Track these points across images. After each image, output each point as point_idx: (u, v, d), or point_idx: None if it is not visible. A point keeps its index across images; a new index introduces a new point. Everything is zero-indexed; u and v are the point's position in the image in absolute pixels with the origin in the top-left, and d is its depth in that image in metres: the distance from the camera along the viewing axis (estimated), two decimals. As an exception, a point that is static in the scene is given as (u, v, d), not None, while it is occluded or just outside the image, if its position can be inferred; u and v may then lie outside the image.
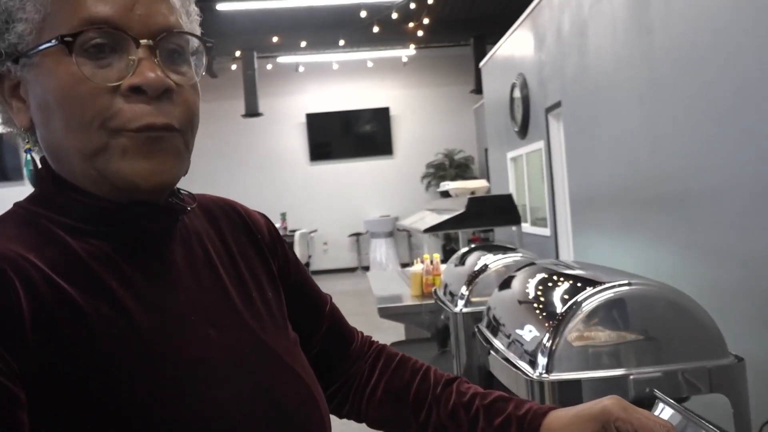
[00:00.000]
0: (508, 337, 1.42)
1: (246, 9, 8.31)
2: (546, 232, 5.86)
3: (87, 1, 0.57)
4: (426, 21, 8.89)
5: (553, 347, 1.18)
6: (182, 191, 0.71)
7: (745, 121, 2.20)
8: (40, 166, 0.63)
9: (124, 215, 0.62)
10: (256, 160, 12.08)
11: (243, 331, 0.66)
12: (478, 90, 9.77)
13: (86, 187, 0.60)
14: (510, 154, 7.39)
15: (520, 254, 2.13)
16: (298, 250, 6.63)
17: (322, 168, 12.16)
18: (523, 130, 6.53)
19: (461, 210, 2.85)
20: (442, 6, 9.32)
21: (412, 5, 8.53)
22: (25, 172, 0.63)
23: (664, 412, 0.87)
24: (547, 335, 1.20)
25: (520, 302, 1.53)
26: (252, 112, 9.97)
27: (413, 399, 0.79)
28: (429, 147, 11.90)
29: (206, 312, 0.64)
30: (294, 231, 7.26)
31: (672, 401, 0.84)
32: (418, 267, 3.33)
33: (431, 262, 3.24)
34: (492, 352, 1.44)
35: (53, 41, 0.56)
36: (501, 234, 7.74)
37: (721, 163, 2.37)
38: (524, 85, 6.36)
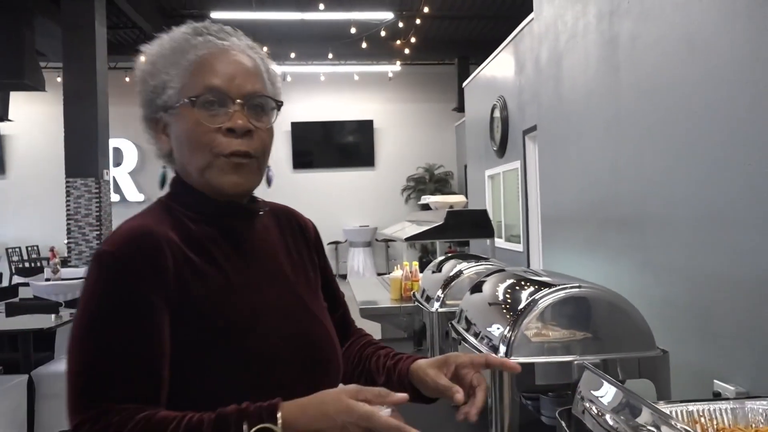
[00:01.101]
0: (477, 331, 1.67)
1: (239, 18, 8.54)
2: (519, 247, 6.16)
3: (207, 75, 0.93)
4: (413, 40, 9.21)
5: (512, 337, 1.43)
6: (259, 199, 1.05)
7: (694, 153, 2.50)
8: (173, 176, 1.00)
9: (221, 210, 0.97)
10: (239, 165, 12.22)
11: (292, 295, 1.00)
12: (460, 108, 10.08)
13: (201, 190, 0.95)
14: (488, 172, 7.68)
15: (491, 263, 2.40)
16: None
17: (304, 176, 12.36)
18: (502, 150, 6.83)
19: (440, 222, 3.11)
20: (428, 26, 9.65)
21: (401, 24, 8.84)
22: (159, 179, 1.02)
23: (593, 381, 1.12)
24: (508, 327, 1.45)
25: (488, 303, 1.79)
26: (239, 118, 10.17)
27: (354, 360, 1.13)
28: (410, 161, 12.17)
29: (271, 278, 0.99)
30: (276, 236, 7.44)
31: (596, 369, 1.09)
32: (398, 273, 3.58)
33: (410, 269, 3.49)
34: (463, 342, 1.69)
35: (186, 100, 0.92)
36: (475, 248, 8.02)
37: (672, 190, 2.66)
38: (504, 107, 6.68)
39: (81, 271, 6.73)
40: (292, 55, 9.99)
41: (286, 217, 1.11)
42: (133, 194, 12.22)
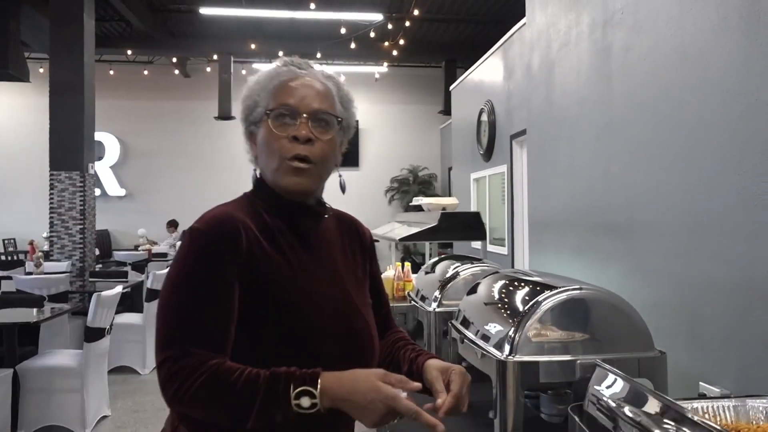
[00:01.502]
0: (478, 330, 1.71)
1: (228, 15, 8.51)
2: (504, 250, 6.23)
3: (284, 95, 1.17)
4: (401, 41, 9.25)
5: (517, 337, 1.48)
6: (328, 205, 1.28)
7: (685, 163, 2.57)
8: (258, 176, 1.22)
9: (292, 208, 1.19)
10: (224, 162, 12.16)
11: (341, 288, 1.20)
12: (446, 111, 10.13)
13: (275, 189, 1.18)
14: (474, 175, 7.74)
15: (487, 264, 2.44)
16: (266, 253, 6.81)
17: (288, 175, 12.30)
18: (488, 154, 6.90)
19: (433, 223, 3.15)
20: (417, 28, 9.70)
21: (390, 26, 8.88)
22: (252, 179, 1.23)
23: (604, 377, 1.16)
24: (513, 328, 1.49)
25: (487, 303, 1.83)
26: (225, 114, 10.13)
27: (387, 350, 1.34)
28: (394, 162, 12.21)
29: (325, 271, 1.19)
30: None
31: (609, 366, 1.13)
32: (389, 273, 3.62)
33: (402, 269, 3.53)
34: (465, 341, 1.73)
35: (264, 115, 1.17)
36: (459, 250, 8.08)
37: (664, 197, 2.73)
38: (492, 111, 6.75)
39: (64, 265, 6.64)
40: (280, 53, 9.96)
41: (348, 223, 1.33)
42: (114, 188, 12.10)
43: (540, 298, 1.53)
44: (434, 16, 9.41)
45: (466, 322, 1.81)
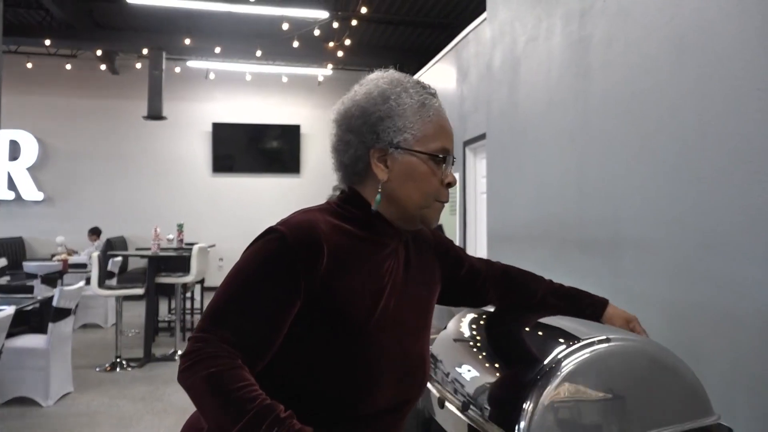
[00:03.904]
0: (465, 391, 1.25)
1: (159, 6, 7.84)
2: (455, 264, 5.82)
3: (443, 137, 1.15)
4: (347, 42, 8.79)
5: (532, 412, 1.02)
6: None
7: (682, 173, 2.20)
8: (347, 189, 1.19)
9: (389, 231, 1.16)
10: (154, 165, 11.38)
11: (407, 311, 1.15)
12: (393, 117, 9.70)
13: (390, 217, 1.16)
14: (422, 184, 7.34)
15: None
16: (195, 266, 6.19)
17: (224, 180, 11.66)
18: (438, 161, 6.52)
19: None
20: (364, 29, 9.28)
21: (335, 24, 8.42)
22: (377, 199, 1.14)
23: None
24: (529, 402, 1.03)
25: (475, 353, 1.36)
26: (155, 114, 9.39)
27: (525, 294, 1.44)
28: (337, 169, 11.71)
29: (397, 294, 1.14)
30: (191, 244, 6.79)
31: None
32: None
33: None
34: (447, 404, 1.26)
35: (425, 153, 1.13)
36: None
37: (653, 211, 2.36)
38: (443, 117, 6.38)
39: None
40: (217, 50, 9.34)
41: (413, 236, 1.25)
42: (30, 192, 11.08)
43: (559, 355, 1.08)
44: (382, 16, 9.00)
45: (442, 376, 1.34)
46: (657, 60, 2.36)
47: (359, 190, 1.17)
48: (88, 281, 5.99)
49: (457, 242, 5.88)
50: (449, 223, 6.12)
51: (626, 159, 2.54)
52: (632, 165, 2.50)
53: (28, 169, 11.06)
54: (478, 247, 5.59)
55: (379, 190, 1.14)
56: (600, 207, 2.73)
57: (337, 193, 1.21)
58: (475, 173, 5.67)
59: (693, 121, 2.17)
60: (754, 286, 1.92)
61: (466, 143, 5.68)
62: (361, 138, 1.13)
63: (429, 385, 1.37)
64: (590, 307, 1.40)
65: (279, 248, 1.04)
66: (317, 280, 1.04)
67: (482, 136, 4.82)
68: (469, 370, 1.30)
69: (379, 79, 1.18)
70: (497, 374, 1.20)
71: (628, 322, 1.37)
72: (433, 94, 1.19)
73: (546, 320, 1.30)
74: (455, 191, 6.02)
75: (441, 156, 1.14)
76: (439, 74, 6.74)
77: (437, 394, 1.30)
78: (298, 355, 1.05)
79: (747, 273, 1.94)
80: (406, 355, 1.12)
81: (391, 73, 1.20)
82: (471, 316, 1.47)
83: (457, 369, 1.32)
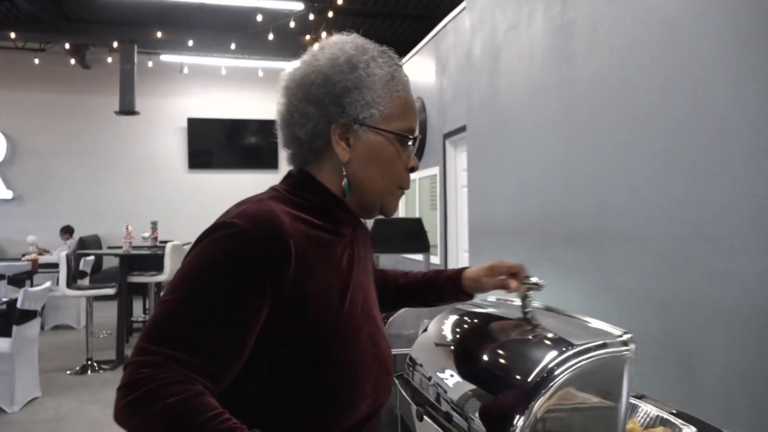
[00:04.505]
0: (448, 398, 1.12)
1: (129, -3, 7.60)
2: (436, 260, 5.71)
3: (411, 117, 1.04)
4: (324, 35, 8.62)
5: (524, 427, 0.89)
6: None
7: (673, 162, 2.10)
8: (307, 173, 1.04)
9: (349, 219, 1.04)
10: (128, 162, 11.12)
11: (371, 307, 1.06)
12: (372, 111, 9.60)
13: (357, 206, 1.04)
14: (402, 178, 7.22)
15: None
16: (169, 264, 6.00)
17: (200, 177, 11.43)
18: (418, 155, 6.40)
19: (364, 232, 2.56)
20: (341, 22, 9.12)
21: (311, 16, 8.25)
22: (344, 187, 1.00)
23: None
24: (518, 417, 0.91)
25: (470, 368, 1.20)
26: (127, 109, 9.13)
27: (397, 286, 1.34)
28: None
29: (363, 289, 1.03)
30: (165, 242, 6.59)
31: None
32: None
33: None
34: (426, 417, 1.13)
35: (398, 133, 1.02)
36: (386, 262, 7.55)
37: (644, 204, 2.25)
38: (422, 110, 6.26)
39: None
40: (190, 43, 9.11)
41: (361, 228, 1.13)
42: (-1, 190, 10.76)
43: (550, 363, 0.96)
44: (359, 8, 8.85)
45: (422, 381, 1.22)
46: (645, 43, 2.26)
47: (314, 173, 1.02)
48: (57, 281, 5.79)
49: (438, 238, 5.77)
50: (429, 218, 6.00)
51: (613, 148, 2.44)
52: (620, 154, 2.39)
53: (-4, 166, 10.74)
54: (460, 243, 5.48)
55: (344, 173, 0.99)
56: (586, 198, 2.63)
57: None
58: (456, 166, 5.56)
59: (684, 107, 2.06)
60: (749, 280, 1.83)
61: (446, 136, 5.56)
62: (322, 110, 0.98)
63: (405, 394, 1.24)
64: (449, 281, 1.28)
65: (239, 246, 0.86)
66: (285, 283, 0.87)
67: (462, 128, 4.70)
68: (452, 375, 1.18)
69: (344, 43, 1.03)
70: (484, 382, 1.08)
71: (492, 270, 1.25)
72: (401, 66, 1.06)
73: (535, 320, 1.18)
74: (435, 186, 5.91)
75: (408, 137, 1.02)
76: (417, 67, 6.61)
77: (414, 405, 1.18)
78: (268, 371, 0.89)
79: (742, 266, 1.85)
80: (380, 354, 1.02)
81: (355, 38, 1.05)
82: (453, 317, 1.35)
83: (439, 374, 1.20)
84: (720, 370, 1.93)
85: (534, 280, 1.23)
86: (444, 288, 1.28)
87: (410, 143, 1.03)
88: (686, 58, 2.05)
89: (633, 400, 1.04)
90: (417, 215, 6.54)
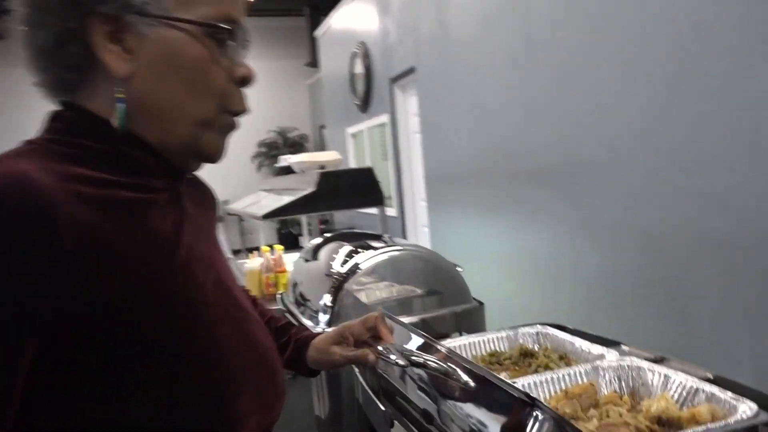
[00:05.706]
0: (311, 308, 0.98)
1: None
2: (392, 212, 5.47)
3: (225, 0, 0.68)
4: (255, -16, 8.08)
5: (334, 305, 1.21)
6: None
7: (650, 78, 1.86)
8: (61, 108, 0.67)
9: (174, 175, 0.71)
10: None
11: (226, 288, 0.72)
12: (314, 63, 9.23)
13: (163, 145, 0.67)
14: (350, 130, 6.96)
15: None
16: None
17: (139, 146, 10.86)
18: (365, 104, 6.09)
19: (310, 189, 2.26)
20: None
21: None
22: (118, 121, 0.64)
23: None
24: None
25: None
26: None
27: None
28: (260, 124, 11.12)
29: (206, 267, 0.70)
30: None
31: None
32: (255, 262, 2.69)
33: (272, 256, 2.61)
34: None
35: (199, 22, 0.65)
36: (341, 219, 7.28)
37: (619, 130, 2.02)
38: (366, 55, 5.90)
39: None
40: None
41: (193, 182, 0.81)
42: None
43: (358, 260, 1.39)
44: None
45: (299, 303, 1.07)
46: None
47: (86, 105, 0.66)
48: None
49: (392, 190, 5.52)
50: (381, 169, 5.71)
51: (579, 70, 2.18)
52: (587, 76, 2.14)
53: None
54: (417, 192, 5.23)
55: (119, 95, 0.64)
56: (551, 130, 2.38)
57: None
58: (406, 112, 5.27)
59: (659, 15, 1.81)
60: (744, 203, 1.62)
61: (393, 80, 5.25)
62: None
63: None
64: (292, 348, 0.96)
65: None
66: (63, 274, 0.55)
67: (411, 71, 4.40)
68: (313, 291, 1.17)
69: None
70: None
71: (343, 335, 0.92)
72: None
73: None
74: (384, 135, 5.62)
75: (224, 28, 0.66)
76: (359, 10, 6.22)
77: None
78: (77, 415, 0.58)
79: (738, 190, 1.63)
80: (257, 350, 0.71)
81: None
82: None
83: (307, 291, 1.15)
84: (708, 306, 1.74)
85: (393, 357, 0.87)
86: (284, 351, 0.94)
87: (230, 40, 0.67)
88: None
89: (658, 368, 0.88)
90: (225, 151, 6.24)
